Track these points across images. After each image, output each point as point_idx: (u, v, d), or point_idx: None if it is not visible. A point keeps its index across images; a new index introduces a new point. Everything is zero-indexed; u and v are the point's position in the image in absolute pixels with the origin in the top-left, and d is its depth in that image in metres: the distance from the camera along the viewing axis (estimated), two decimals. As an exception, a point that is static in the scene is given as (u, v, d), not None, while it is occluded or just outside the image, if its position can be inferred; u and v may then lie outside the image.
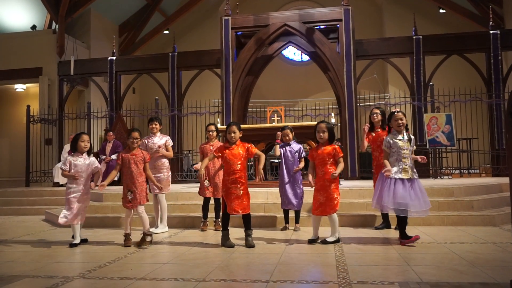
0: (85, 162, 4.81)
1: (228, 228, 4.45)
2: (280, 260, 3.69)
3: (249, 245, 4.29)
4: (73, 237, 4.77)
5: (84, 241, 4.82)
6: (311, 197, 4.58)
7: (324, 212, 4.38)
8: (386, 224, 5.17)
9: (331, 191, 4.36)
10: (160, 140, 5.55)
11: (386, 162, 4.32)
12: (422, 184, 4.32)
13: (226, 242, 4.36)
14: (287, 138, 5.26)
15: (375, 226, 5.26)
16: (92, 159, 4.90)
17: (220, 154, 4.47)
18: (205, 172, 5.35)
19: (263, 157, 4.49)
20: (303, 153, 5.25)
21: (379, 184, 4.36)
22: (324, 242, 4.35)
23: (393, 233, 4.79)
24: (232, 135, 4.39)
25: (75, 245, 4.64)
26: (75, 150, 4.83)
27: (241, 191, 4.33)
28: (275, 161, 9.97)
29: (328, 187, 4.37)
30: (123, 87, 11.54)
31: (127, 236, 4.63)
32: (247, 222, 4.41)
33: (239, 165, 4.35)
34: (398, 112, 4.36)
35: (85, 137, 4.84)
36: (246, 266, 3.56)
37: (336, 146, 4.47)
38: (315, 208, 4.42)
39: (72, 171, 4.75)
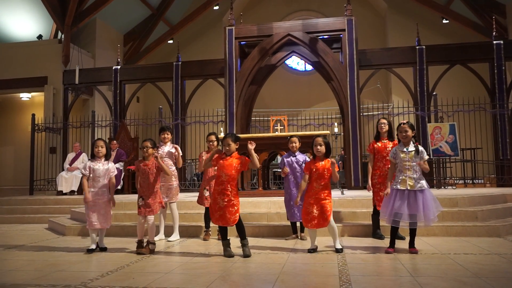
0: (103, 167, 4.91)
1: (228, 237, 4.44)
2: (283, 270, 3.67)
3: (245, 255, 4.28)
4: (96, 245, 4.88)
5: (103, 249, 4.86)
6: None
7: (319, 225, 4.41)
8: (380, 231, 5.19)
9: (326, 204, 4.41)
10: (170, 149, 5.59)
11: (390, 175, 4.40)
12: (430, 196, 4.27)
13: (226, 252, 4.34)
14: (294, 145, 5.25)
15: (380, 236, 5.22)
16: (111, 164, 4.99)
17: (215, 163, 4.49)
18: (206, 182, 5.40)
19: (255, 162, 4.37)
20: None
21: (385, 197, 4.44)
22: (338, 250, 4.39)
23: (397, 244, 4.75)
24: (227, 147, 4.39)
25: (92, 250, 4.74)
26: (93, 156, 4.95)
27: (225, 203, 4.30)
28: (278, 170, 9.97)
29: (324, 199, 4.42)
30: (127, 96, 11.62)
31: (139, 243, 4.65)
32: (240, 232, 4.39)
33: (226, 177, 4.34)
34: (404, 124, 4.41)
35: (99, 142, 4.97)
36: (248, 276, 3.55)
37: (333, 160, 4.48)
38: (308, 221, 4.42)
39: (91, 175, 4.85)
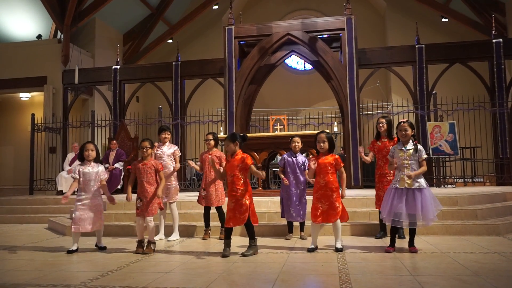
0: (93, 170, 4.89)
1: (230, 237, 4.43)
2: (283, 269, 3.67)
3: (243, 254, 4.29)
4: (96, 245, 4.95)
5: (102, 248, 4.89)
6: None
7: (327, 220, 4.42)
8: (385, 233, 5.16)
9: (333, 200, 4.42)
10: (169, 149, 5.59)
11: (391, 167, 4.41)
12: (430, 196, 4.23)
13: (223, 251, 4.34)
14: (297, 145, 5.25)
15: (376, 235, 5.23)
16: (101, 167, 4.97)
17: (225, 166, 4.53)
18: (203, 181, 5.43)
19: (254, 172, 4.41)
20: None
21: (385, 196, 4.43)
22: (338, 250, 4.38)
23: (397, 243, 4.76)
24: (227, 148, 4.44)
25: (72, 251, 4.72)
26: (83, 159, 4.92)
27: (233, 204, 4.32)
28: (278, 169, 9.96)
29: (331, 196, 4.43)
30: (127, 95, 11.62)
31: (139, 243, 4.67)
32: (249, 232, 4.40)
33: (230, 178, 4.36)
34: (404, 122, 4.40)
35: (89, 146, 4.93)
36: (248, 275, 3.55)
37: (337, 156, 4.53)
38: (315, 216, 4.44)
39: (81, 179, 4.83)
